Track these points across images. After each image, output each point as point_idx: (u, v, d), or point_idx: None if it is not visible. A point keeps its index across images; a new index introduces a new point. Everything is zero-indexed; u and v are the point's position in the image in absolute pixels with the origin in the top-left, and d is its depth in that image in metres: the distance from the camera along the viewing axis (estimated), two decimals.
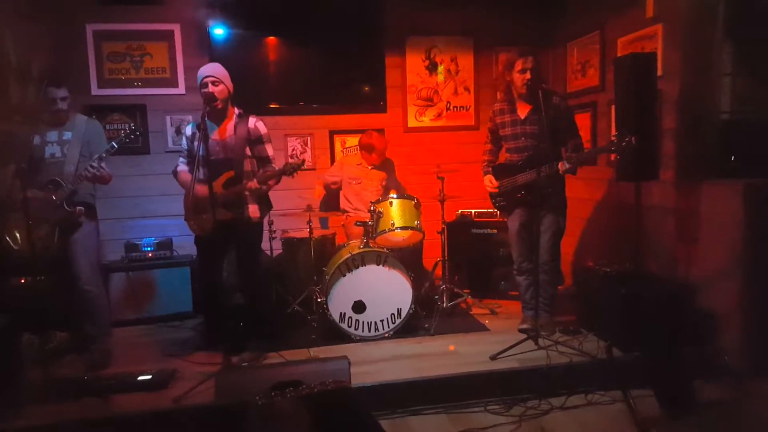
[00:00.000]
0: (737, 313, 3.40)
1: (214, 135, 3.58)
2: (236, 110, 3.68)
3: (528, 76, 3.70)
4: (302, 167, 3.53)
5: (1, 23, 3.96)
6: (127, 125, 4.91)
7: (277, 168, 3.61)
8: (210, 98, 3.45)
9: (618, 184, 4.22)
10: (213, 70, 3.57)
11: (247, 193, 3.55)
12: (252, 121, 3.65)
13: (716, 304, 3.53)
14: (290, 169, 3.47)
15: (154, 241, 4.70)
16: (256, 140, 3.66)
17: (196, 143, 3.53)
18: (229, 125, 3.62)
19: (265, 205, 3.77)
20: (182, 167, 3.75)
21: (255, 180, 3.50)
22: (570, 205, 3.98)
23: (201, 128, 3.26)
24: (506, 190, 3.95)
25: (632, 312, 3.53)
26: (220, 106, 3.54)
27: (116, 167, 4.19)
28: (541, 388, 3.28)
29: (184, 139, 3.76)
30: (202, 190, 3.42)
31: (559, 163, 3.64)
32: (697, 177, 3.72)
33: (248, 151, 3.64)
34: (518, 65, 3.74)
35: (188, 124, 3.84)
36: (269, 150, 3.71)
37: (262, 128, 3.67)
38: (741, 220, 3.36)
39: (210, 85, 3.51)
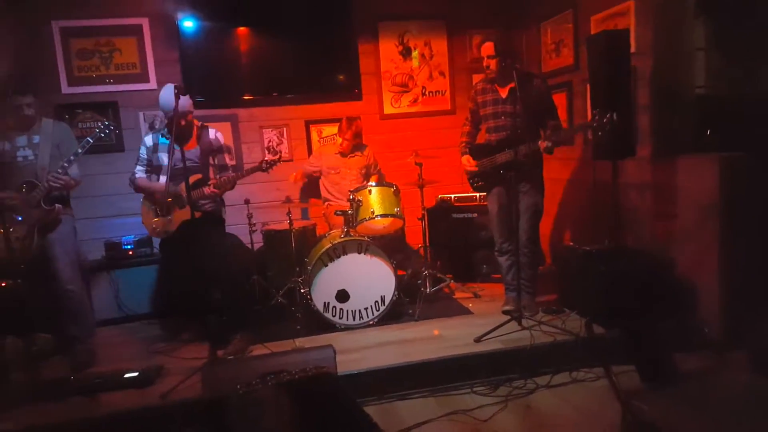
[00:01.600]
0: (715, 286, 3.45)
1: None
2: (198, 123, 3.86)
3: (489, 63, 3.79)
4: (278, 163, 3.79)
5: None
6: (100, 123, 4.83)
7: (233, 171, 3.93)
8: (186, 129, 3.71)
9: (595, 162, 4.24)
10: (188, 105, 3.68)
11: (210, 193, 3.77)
12: (212, 132, 3.90)
13: (694, 278, 3.58)
14: (266, 166, 3.73)
15: (134, 239, 4.64)
16: (216, 150, 3.91)
17: (158, 155, 3.80)
18: (193, 138, 3.83)
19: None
20: (140, 175, 3.88)
21: (211, 185, 3.73)
22: (548, 185, 4.00)
23: (171, 147, 3.34)
24: (484, 170, 3.96)
25: (612, 288, 3.57)
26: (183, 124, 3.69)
27: (91, 166, 4.15)
28: (526, 368, 3.32)
29: (143, 148, 3.88)
30: (168, 194, 3.64)
31: (540, 142, 3.65)
32: (672, 152, 3.75)
33: (211, 160, 3.89)
34: (482, 51, 3.83)
35: (148, 133, 4.02)
36: (227, 159, 4.01)
37: (222, 139, 3.96)
38: (717, 193, 3.41)
39: (184, 121, 3.68)
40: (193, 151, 3.78)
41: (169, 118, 3.56)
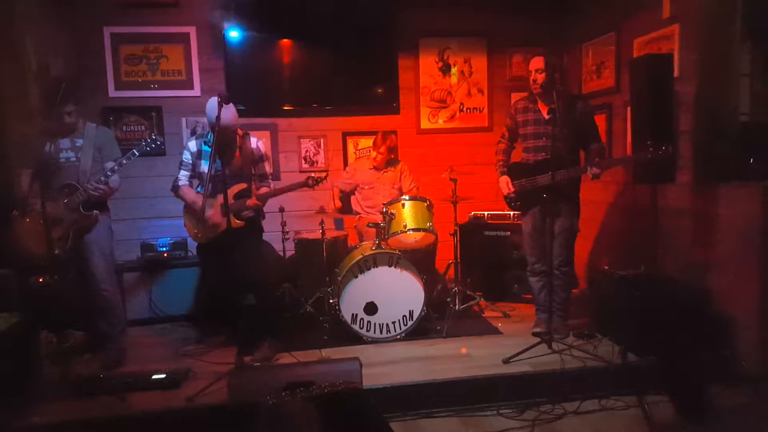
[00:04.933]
0: (754, 318, 3.35)
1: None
2: (240, 132, 3.84)
3: (537, 77, 3.74)
4: (324, 179, 3.79)
5: (22, 26, 4.02)
6: (143, 127, 4.97)
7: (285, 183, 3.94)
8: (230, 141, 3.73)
9: (634, 186, 4.18)
10: (233, 118, 3.66)
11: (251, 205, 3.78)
12: (254, 141, 3.91)
13: (733, 309, 3.48)
14: (313, 182, 3.74)
15: (170, 241, 4.74)
16: (258, 159, 3.92)
17: (201, 161, 3.80)
18: (236, 149, 3.84)
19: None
20: (184, 181, 3.89)
21: (254, 197, 3.75)
22: (585, 207, 3.95)
23: (213, 155, 3.38)
24: (522, 191, 3.92)
25: (648, 316, 3.49)
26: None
27: (132, 168, 4.25)
28: (555, 393, 3.25)
29: (187, 153, 3.87)
30: (211, 202, 3.62)
31: (590, 168, 3.61)
32: (714, 179, 3.66)
33: (251, 170, 3.89)
34: (531, 65, 3.79)
35: (191, 138, 3.97)
36: (267, 168, 4.00)
37: (263, 148, 3.97)
38: (759, 223, 3.31)
39: (238, 137, 3.77)
40: (235, 161, 3.79)
41: (213, 129, 3.57)
